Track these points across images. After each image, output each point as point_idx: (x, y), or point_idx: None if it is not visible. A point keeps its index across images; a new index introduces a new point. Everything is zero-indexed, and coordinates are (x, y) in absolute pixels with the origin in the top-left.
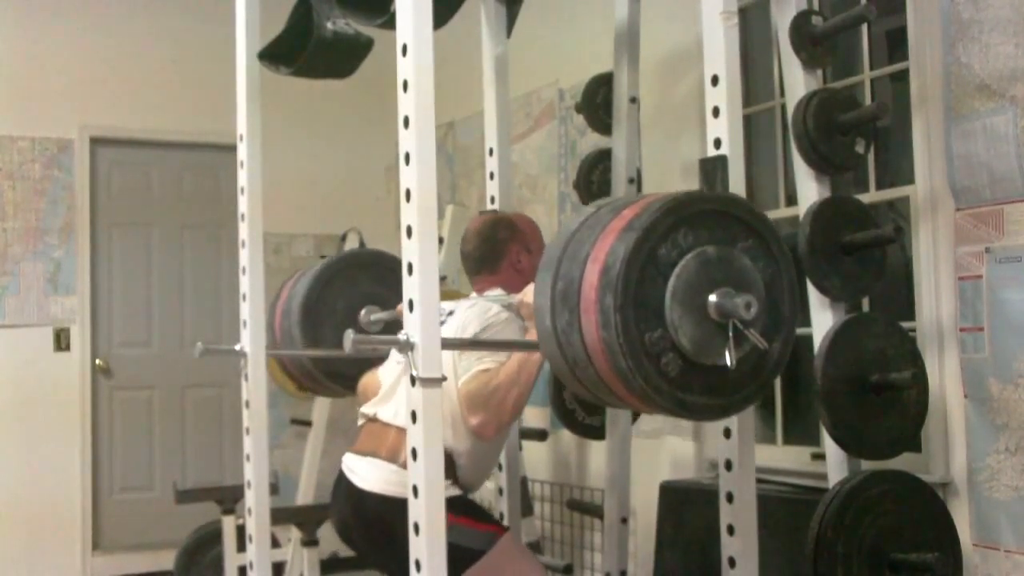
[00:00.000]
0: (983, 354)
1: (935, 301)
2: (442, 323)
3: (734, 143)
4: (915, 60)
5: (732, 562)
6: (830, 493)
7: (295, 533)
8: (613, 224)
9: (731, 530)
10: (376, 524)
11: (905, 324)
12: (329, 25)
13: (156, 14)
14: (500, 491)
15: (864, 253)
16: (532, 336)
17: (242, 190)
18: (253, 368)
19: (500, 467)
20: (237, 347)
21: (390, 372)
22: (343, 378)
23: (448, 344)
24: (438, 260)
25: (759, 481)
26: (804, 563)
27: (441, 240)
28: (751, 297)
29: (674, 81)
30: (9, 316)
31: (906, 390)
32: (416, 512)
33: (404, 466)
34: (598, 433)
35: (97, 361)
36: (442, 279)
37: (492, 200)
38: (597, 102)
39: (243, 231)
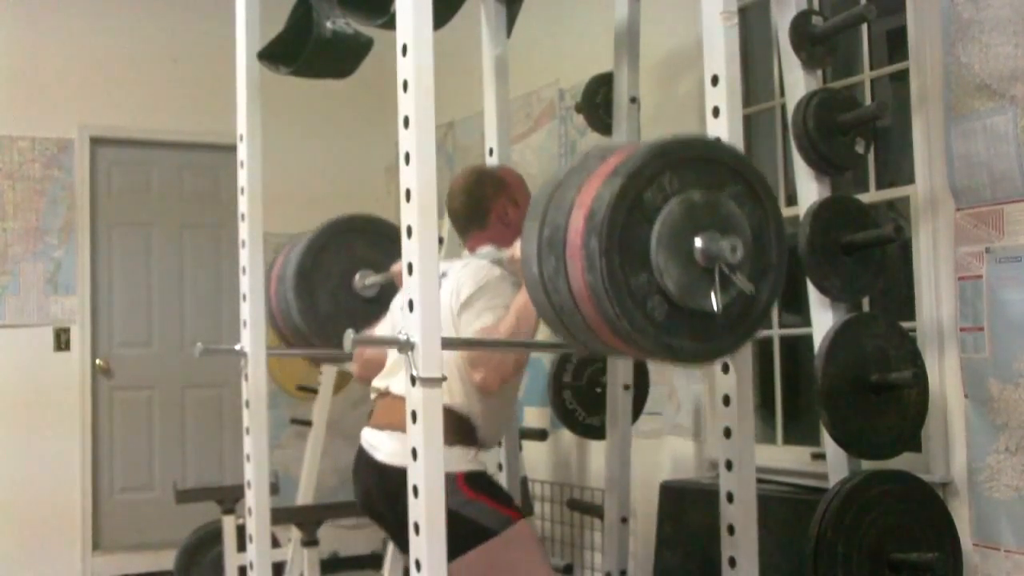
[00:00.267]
0: (983, 354)
1: (935, 301)
2: None
3: (734, 143)
4: (915, 60)
5: (732, 562)
6: (830, 493)
7: (295, 533)
8: (599, 170)
9: (731, 530)
10: (401, 496)
11: (905, 324)
12: (329, 25)
13: (156, 14)
14: None
15: (864, 253)
16: (524, 291)
17: (242, 190)
18: (253, 368)
19: (500, 467)
20: (237, 347)
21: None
22: (338, 343)
23: (448, 344)
24: (438, 260)
25: (759, 481)
26: (804, 563)
27: (441, 240)
28: (737, 240)
29: (674, 81)
30: (9, 316)
31: (906, 390)
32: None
33: None
34: (598, 433)
35: (97, 361)
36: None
37: None
38: (597, 102)
39: (243, 231)
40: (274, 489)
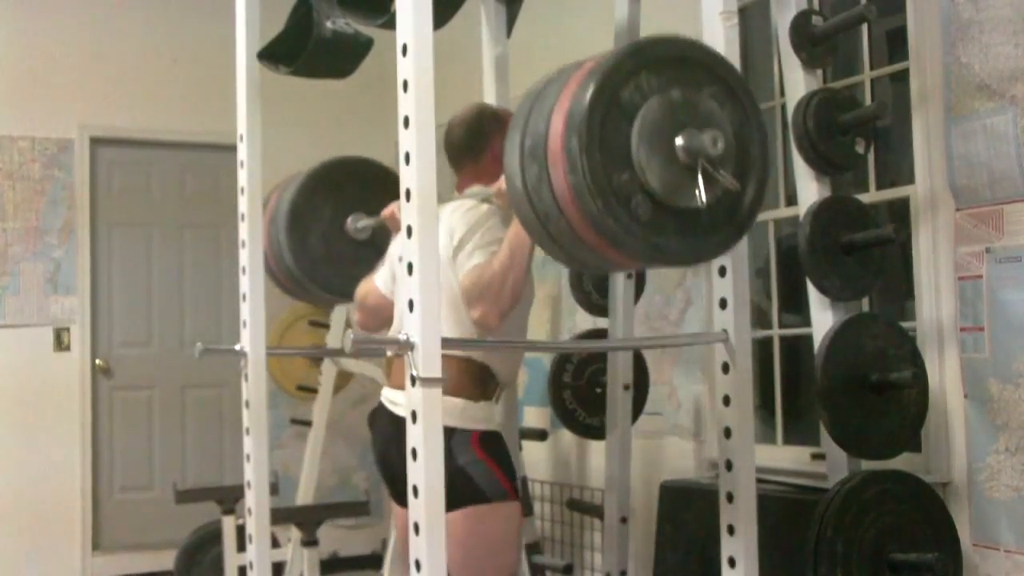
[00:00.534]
0: (983, 354)
1: (935, 301)
2: None
3: None
4: (915, 60)
5: (732, 562)
6: (830, 493)
7: (295, 533)
8: (576, 75)
9: (731, 530)
10: None
11: (905, 324)
12: (329, 25)
13: (156, 14)
14: None
15: (864, 253)
16: (516, 223)
17: (242, 190)
18: (253, 368)
19: None
20: (237, 347)
21: (399, 296)
22: (328, 285)
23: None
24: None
25: (759, 481)
26: (804, 563)
27: None
28: (716, 132)
29: None
30: (9, 316)
31: (906, 390)
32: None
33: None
34: (598, 433)
35: (97, 361)
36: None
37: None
38: None
39: (243, 231)
40: (274, 489)
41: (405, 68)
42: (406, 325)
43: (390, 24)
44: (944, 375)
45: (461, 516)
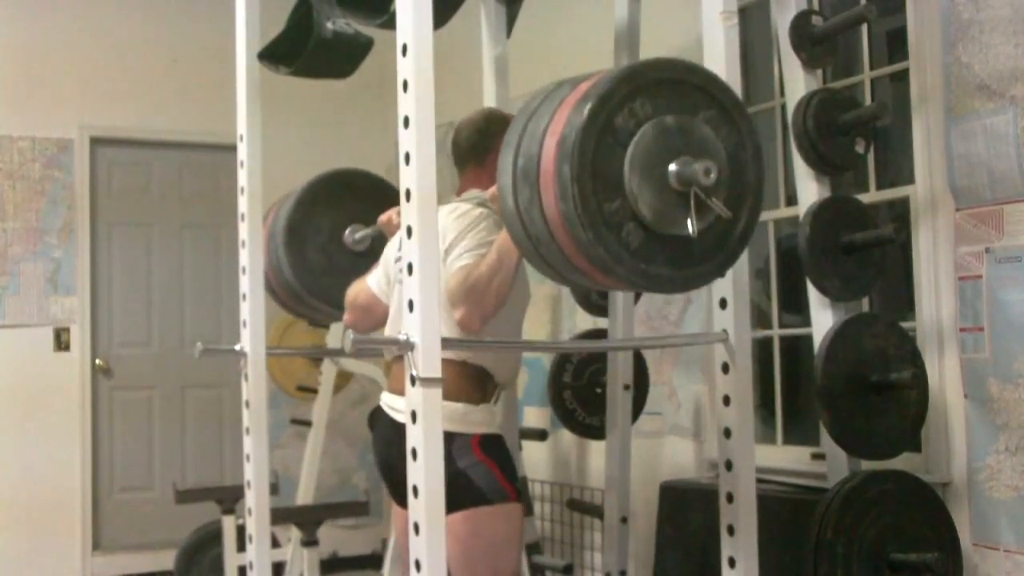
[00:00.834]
0: (983, 354)
1: (935, 301)
2: None
3: None
4: (915, 60)
5: (732, 562)
6: (830, 493)
7: (295, 533)
8: (570, 97)
9: (731, 530)
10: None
11: (905, 324)
12: (329, 25)
13: (156, 14)
14: None
15: (864, 253)
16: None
17: (242, 190)
18: (253, 368)
19: None
20: (237, 347)
21: (395, 297)
22: (328, 298)
23: (448, 344)
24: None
25: (759, 481)
26: (804, 563)
27: None
28: (710, 162)
29: None
30: (9, 316)
31: (906, 390)
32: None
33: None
34: (598, 433)
35: (97, 361)
36: None
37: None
38: None
39: (243, 231)
40: (274, 489)
41: (405, 68)
42: (406, 325)
43: (390, 24)
44: (944, 375)
45: (462, 518)
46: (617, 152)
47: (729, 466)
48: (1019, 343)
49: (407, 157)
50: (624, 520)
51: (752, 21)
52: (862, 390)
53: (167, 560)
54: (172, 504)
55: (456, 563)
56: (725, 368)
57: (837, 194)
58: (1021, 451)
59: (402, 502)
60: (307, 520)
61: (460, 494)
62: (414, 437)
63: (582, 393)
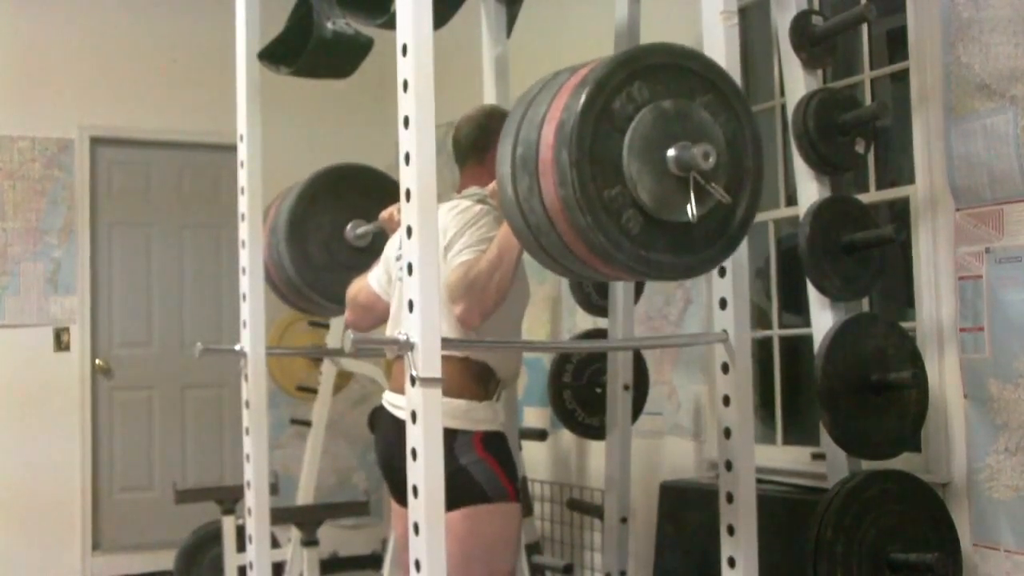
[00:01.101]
0: (983, 354)
1: (935, 301)
2: None
3: None
4: (915, 60)
5: (732, 562)
6: (830, 493)
7: (295, 533)
8: (568, 83)
9: (731, 530)
10: None
11: (905, 324)
12: (329, 25)
13: (156, 14)
14: None
15: (864, 253)
16: (507, 224)
17: (242, 190)
18: (253, 368)
19: None
20: (237, 347)
21: (396, 296)
22: (329, 293)
23: (448, 344)
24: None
25: (759, 481)
26: (804, 563)
27: None
28: (709, 146)
29: None
30: (9, 316)
31: (906, 390)
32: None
33: (442, 395)
34: (598, 433)
35: (97, 361)
36: None
37: None
38: None
39: (243, 231)
40: (274, 489)
41: (405, 68)
42: (406, 325)
43: (390, 24)
44: (944, 375)
45: (461, 515)
46: (615, 137)
47: (729, 466)
48: (1019, 343)
49: (407, 157)
50: (624, 520)
51: (752, 21)
52: (862, 390)
53: (167, 560)
54: (172, 504)
55: (453, 561)
56: (725, 368)
57: (837, 194)
58: (1021, 451)
59: (402, 501)
60: (307, 520)
61: (460, 491)
62: (414, 437)
63: (582, 393)
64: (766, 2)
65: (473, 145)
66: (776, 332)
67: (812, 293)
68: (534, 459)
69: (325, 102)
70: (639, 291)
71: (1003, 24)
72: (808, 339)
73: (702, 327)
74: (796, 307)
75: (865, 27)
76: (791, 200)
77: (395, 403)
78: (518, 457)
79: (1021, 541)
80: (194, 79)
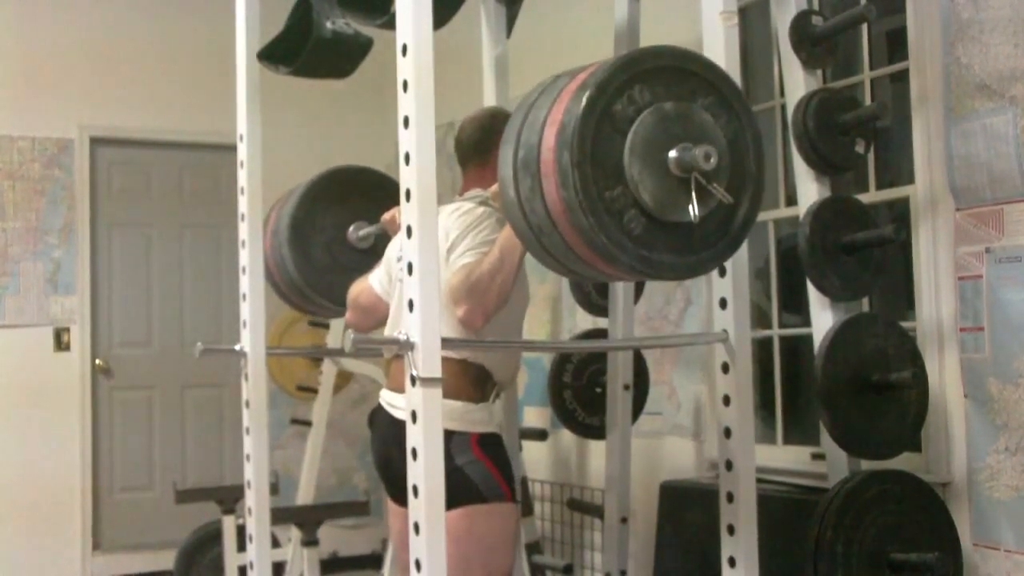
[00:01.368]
0: (983, 354)
1: (935, 301)
2: None
3: None
4: (915, 60)
5: (732, 562)
6: (830, 493)
7: (295, 533)
8: (569, 86)
9: (731, 530)
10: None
11: (905, 324)
12: (329, 25)
13: (156, 14)
14: None
15: (864, 253)
16: (509, 226)
17: (242, 190)
18: (253, 368)
19: None
20: (237, 347)
21: (395, 299)
22: (333, 295)
23: (448, 344)
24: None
25: (759, 481)
26: (804, 563)
27: None
28: (710, 147)
29: None
30: (9, 316)
31: (906, 390)
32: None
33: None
34: (598, 433)
35: (97, 361)
36: None
37: None
38: None
39: (243, 231)
40: (274, 489)
41: (405, 68)
42: (406, 325)
43: (390, 24)
44: (944, 375)
45: (457, 515)
46: (617, 139)
47: (729, 466)
48: (1019, 343)
49: (407, 157)
50: (624, 520)
51: (752, 21)
52: (862, 390)
53: (167, 560)
54: (172, 504)
55: (450, 561)
56: (725, 368)
57: (837, 194)
58: (1021, 451)
59: (399, 500)
60: (307, 520)
61: (456, 491)
62: (414, 437)
63: (582, 393)
64: (766, 2)
65: (476, 146)
66: (776, 332)
67: (812, 293)
68: (534, 459)
69: (325, 102)
70: (639, 291)
71: (1003, 24)
72: (808, 339)
73: (702, 327)
74: (796, 307)
75: (865, 27)
76: (791, 200)
77: (392, 402)
78: (518, 457)
79: (1021, 541)
80: (194, 79)
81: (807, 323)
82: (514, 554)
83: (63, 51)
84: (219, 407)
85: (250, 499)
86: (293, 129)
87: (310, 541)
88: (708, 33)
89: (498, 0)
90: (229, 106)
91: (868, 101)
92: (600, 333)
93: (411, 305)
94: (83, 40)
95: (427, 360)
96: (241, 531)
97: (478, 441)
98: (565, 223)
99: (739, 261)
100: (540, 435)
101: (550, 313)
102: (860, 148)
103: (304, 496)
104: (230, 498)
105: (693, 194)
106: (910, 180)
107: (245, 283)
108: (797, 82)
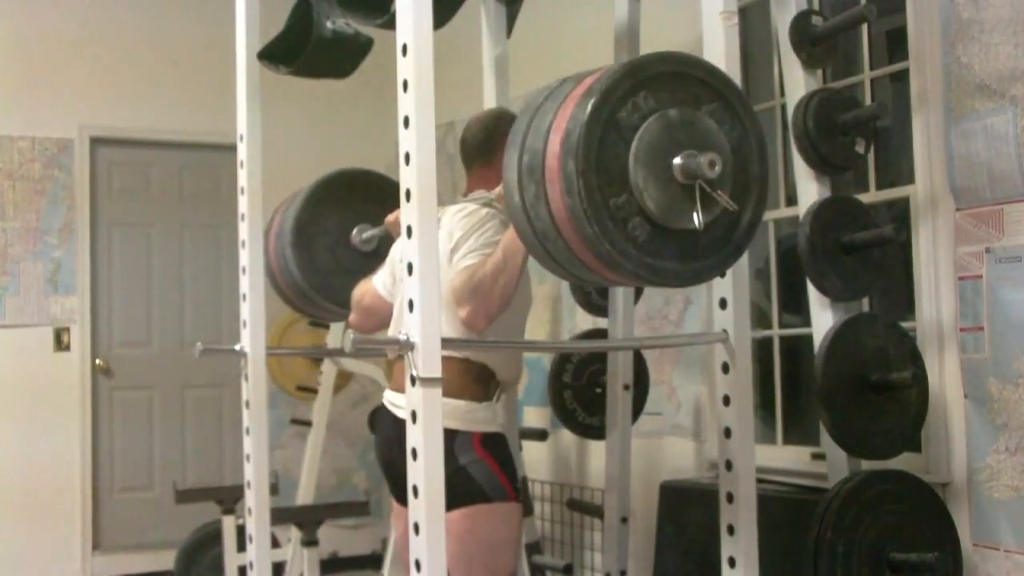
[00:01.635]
0: (983, 354)
1: (935, 301)
2: None
3: None
4: (915, 60)
5: (732, 562)
6: (830, 493)
7: (295, 533)
8: (574, 92)
9: (731, 530)
10: None
11: (905, 324)
12: (329, 25)
13: (156, 14)
14: None
15: (864, 253)
16: (512, 228)
17: (242, 190)
18: (253, 368)
19: None
20: (237, 347)
21: (397, 299)
22: (336, 298)
23: (448, 344)
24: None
25: (759, 481)
26: (804, 563)
27: None
28: (715, 155)
29: None
30: (9, 316)
31: (906, 390)
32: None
33: (442, 395)
34: (598, 433)
35: (97, 361)
36: None
37: None
38: None
39: (243, 231)
40: (274, 489)
41: (405, 68)
42: (406, 325)
43: (390, 24)
44: (944, 375)
45: (461, 515)
46: (621, 146)
47: (729, 466)
48: (1019, 343)
49: (407, 157)
50: (624, 520)
51: (752, 21)
52: (862, 390)
53: (167, 560)
54: (172, 504)
55: (453, 561)
56: (725, 368)
57: (837, 194)
58: (1021, 451)
59: (402, 500)
60: (307, 520)
61: (460, 491)
62: (414, 437)
63: (582, 393)
64: (766, 2)
65: (480, 147)
66: (776, 332)
67: (812, 293)
68: (534, 459)
69: (325, 102)
70: (639, 292)
71: (1003, 24)
72: (808, 339)
73: (702, 327)
74: (796, 307)
75: (865, 27)
76: (791, 200)
77: (395, 402)
78: (518, 457)
79: (1021, 541)
80: (194, 79)
81: (807, 323)
82: (518, 554)
83: (63, 51)
84: (219, 407)
85: (250, 499)
86: (293, 129)
87: (310, 541)
88: (708, 33)
89: (498, 0)
90: (229, 106)
91: (868, 101)
92: (600, 333)
93: (411, 305)
94: (83, 40)
95: (427, 360)
96: (241, 531)
97: (481, 440)
98: (570, 230)
99: (739, 261)
100: (540, 435)
101: (550, 313)
102: (860, 148)
103: (304, 496)
104: (230, 498)
105: (698, 202)
106: (910, 180)
107: (245, 283)
108: (797, 82)
